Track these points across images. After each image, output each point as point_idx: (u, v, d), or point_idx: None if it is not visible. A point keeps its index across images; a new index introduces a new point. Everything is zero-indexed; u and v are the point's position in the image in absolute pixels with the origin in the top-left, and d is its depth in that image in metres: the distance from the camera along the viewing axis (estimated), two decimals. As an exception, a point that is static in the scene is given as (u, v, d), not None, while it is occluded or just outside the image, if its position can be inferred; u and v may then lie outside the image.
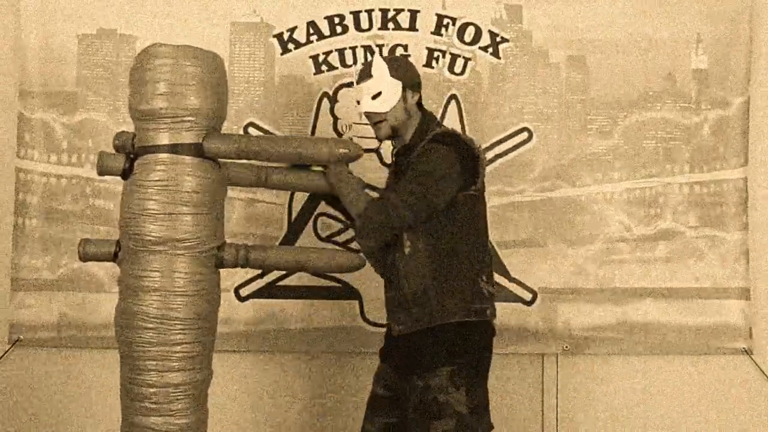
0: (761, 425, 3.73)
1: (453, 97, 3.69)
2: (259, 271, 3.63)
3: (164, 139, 2.50)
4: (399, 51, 3.69)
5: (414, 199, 2.62)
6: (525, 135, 3.70)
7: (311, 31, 3.71)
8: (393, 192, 2.69)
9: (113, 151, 2.65)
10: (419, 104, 2.83)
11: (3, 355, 3.69)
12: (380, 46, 3.70)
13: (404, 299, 2.70)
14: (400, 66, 2.80)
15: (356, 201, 2.73)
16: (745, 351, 3.68)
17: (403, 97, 2.76)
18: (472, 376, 2.67)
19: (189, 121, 2.51)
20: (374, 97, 2.74)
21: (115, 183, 2.64)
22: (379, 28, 3.72)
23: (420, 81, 2.83)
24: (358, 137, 3.51)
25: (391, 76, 2.74)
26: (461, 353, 2.66)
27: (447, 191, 2.66)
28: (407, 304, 2.69)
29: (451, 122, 3.63)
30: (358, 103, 2.83)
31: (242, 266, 2.65)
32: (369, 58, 3.68)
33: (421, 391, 2.63)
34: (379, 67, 2.75)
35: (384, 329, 2.90)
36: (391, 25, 3.71)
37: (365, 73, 2.78)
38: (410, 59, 3.63)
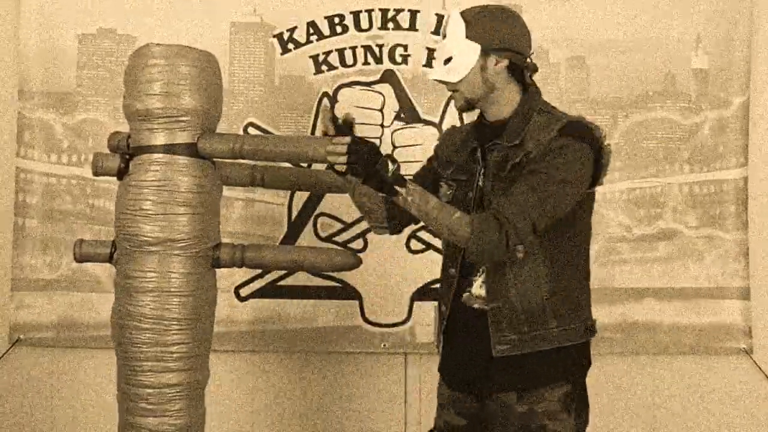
0: (761, 425, 3.72)
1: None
2: (259, 271, 3.63)
3: (159, 139, 2.50)
4: (399, 51, 3.68)
5: (534, 211, 2.10)
6: (525, 135, 3.68)
7: (311, 31, 3.71)
8: (505, 199, 2.13)
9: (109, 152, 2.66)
10: (516, 75, 2.25)
11: (3, 355, 3.69)
12: (380, 46, 3.69)
13: (513, 315, 2.22)
14: (485, 23, 2.21)
15: (451, 220, 2.12)
16: (745, 351, 3.67)
17: (482, 65, 2.21)
18: (584, 399, 2.36)
19: (184, 121, 2.51)
20: (445, 62, 2.22)
21: (116, 183, 2.63)
22: (379, 28, 3.71)
23: (519, 44, 2.24)
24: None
25: (467, 37, 2.19)
26: (577, 374, 2.32)
27: (574, 196, 2.18)
28: (516, 322, 2.22)
29: (451, 122, 3.62)
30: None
31: (238, 266, 2.65)
32: (369, 57, 3.69)
33: (522, 416, 2.23)
34: (456, 24, 2.20)
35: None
36: (390, 25, 3.70)
37: (442, 31, 2.26)
38: (411, 59, 3.69)
